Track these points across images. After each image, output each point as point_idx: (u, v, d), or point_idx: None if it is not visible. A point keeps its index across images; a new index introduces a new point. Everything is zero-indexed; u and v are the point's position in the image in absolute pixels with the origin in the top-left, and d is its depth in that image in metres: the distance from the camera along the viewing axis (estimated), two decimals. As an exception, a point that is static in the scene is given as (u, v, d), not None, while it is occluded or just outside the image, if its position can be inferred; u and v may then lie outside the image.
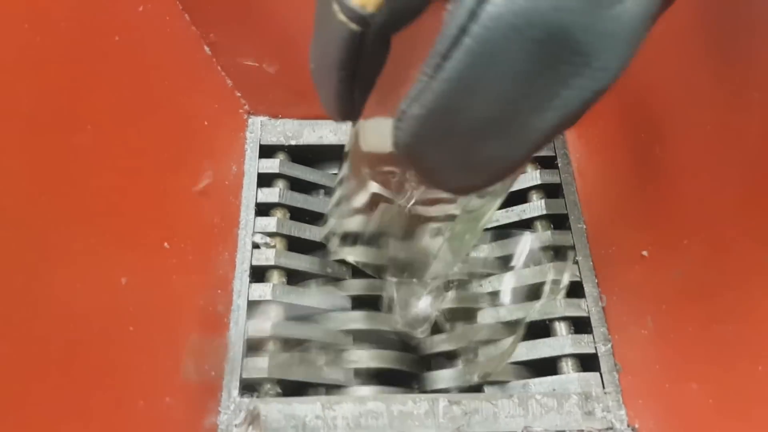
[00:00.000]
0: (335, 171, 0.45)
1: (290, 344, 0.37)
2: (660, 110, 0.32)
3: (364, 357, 0.37)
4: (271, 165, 0.42)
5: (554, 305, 0.37)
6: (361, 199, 0.36)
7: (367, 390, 0.36)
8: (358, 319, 0.38)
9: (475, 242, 0.41)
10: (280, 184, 0.42)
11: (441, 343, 0.38)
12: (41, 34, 0.24)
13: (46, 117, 0.24)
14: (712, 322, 0.28)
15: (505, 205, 0.43)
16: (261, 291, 0.37)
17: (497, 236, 0.42)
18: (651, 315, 0.32)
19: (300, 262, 0.40)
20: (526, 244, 0.40)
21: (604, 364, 0.36)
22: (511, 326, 0.38)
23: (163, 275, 0.31)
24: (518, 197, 0.43)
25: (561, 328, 0.37)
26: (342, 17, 0.18)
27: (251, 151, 0.43)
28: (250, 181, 0.42)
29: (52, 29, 0.25)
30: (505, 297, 0.39)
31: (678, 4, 0.29)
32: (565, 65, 0.15)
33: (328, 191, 0.44)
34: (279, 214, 0.41)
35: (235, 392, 0.34)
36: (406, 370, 0.38)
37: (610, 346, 0.36)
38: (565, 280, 0.38)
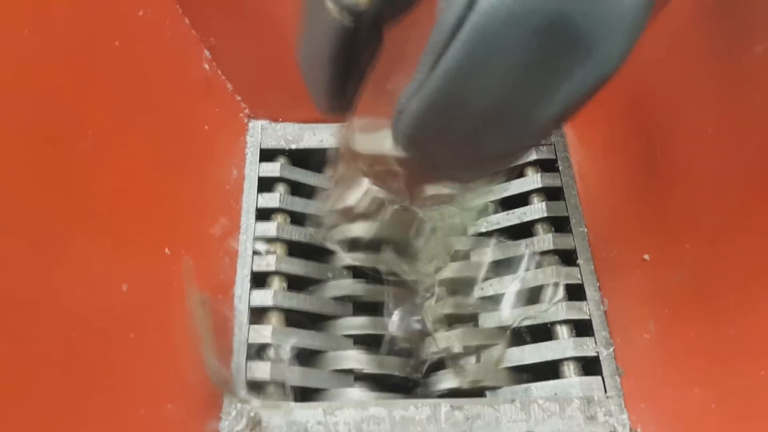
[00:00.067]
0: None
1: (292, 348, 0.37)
2: (661, 113, 0.32)
3: (365, 361, 0.37)
4: (272, 169, 0.42)
5: (555, 310, 0.37)
6: (355, 197, 0.36)
7: (368, 395, 0.36)
8: (359, 325, 0.38)
9: (471, 229, 0.41)
10: (281, 188, 0.42)
11: (434, 352, 0.38)
12: (41, 39, 0.24)
13: (46, 123, 0.24)
14: (715, 325, 0.27)
15: (505, 207, 0.43)
16: (262, 297, 0.37)
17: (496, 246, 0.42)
18: (653, 318, 0.32)
19: (301, 267, 0.39)
20: (524, 255, 0.40)
21: (606, 367, 0.36)
22: (504, 332, 0.38)
23: (164, 281, 0.31)
24: (519, 200, 0.43)
25: (563, 331, 0.37)
26: (335, 12, 0.17)
27: (252, 155, 0.43)
28: (250, 185, 0.41)
29: (52, 34, 0.25)
30: (502, 302, 0.40)
31: (678, 6, 0.29)
32: (566, 54, 0.15)
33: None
34: (279, 218, 0.41)
35: (241, 395, 0.34)
36: (406, 375, 0.38)
37: (612, 349, 0.36)
38: (560, 291, 0.38)
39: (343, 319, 0.39)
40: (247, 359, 0.35)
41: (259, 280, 0.39)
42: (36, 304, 0.22)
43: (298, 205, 0.42)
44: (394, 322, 0.39)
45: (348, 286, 0.40)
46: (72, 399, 0.23)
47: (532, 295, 0.39)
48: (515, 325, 0.38)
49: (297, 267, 0.39)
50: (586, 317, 0.37)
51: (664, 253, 0.32)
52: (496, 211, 0.43)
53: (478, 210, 0.35)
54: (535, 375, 0.37)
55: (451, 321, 0.40)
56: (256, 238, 0.39)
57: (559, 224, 0.41)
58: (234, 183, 0.41)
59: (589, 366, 0.36)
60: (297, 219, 0.42)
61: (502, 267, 0.41)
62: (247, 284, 0.38)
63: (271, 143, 0.44)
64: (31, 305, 0.22)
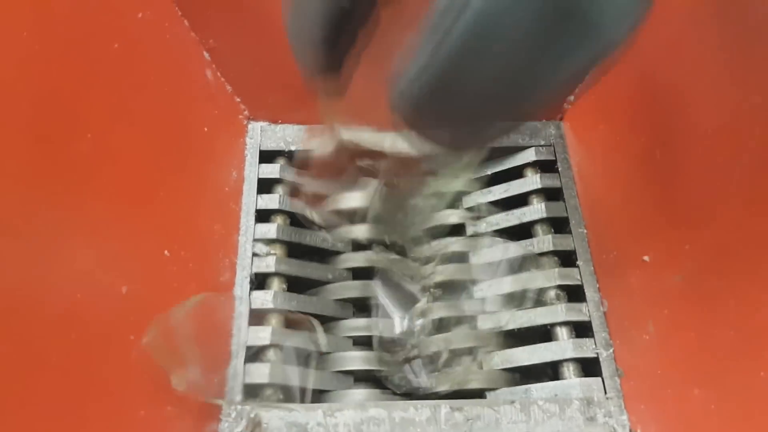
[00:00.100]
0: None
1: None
2: (661, 114, 0.32)
3: (363, 360, 0.37)
4: (272, 170, 0.42)
5: (555, 311, 0.37)
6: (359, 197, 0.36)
7: (367, 395, 0.36)
8: (360, 327, 0.38)
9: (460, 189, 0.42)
10: (280, 190, 0.42)
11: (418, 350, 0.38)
12: (41, 42, 0.24)
13: (45, 125, 0.24)
14: (714, 326, 0.27)
15: (505, 208, 0.43)
16: (262, 298, 0.37)
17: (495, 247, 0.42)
18: (652, 320, 0.32)
19: (300, 268, 0.39)
20: (511, 251, 0.40)
21: (606, 369, 0.36)
22: (489, 335, 0.38)
23: (163, 283, 0.31)
24: (519, 201, 0.43)
25: (562, 332, 0.37)
26: None
27: (251, 156, 0.43)
28: (250, 187, 0.41)
29: (51, 36, 0.25)
30: (492, 304, 0.40)
31: (678, 7, 0.29)
32: (569, 27, 0.15)
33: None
34: (279, 220, 0.41)
35: (237, 399, 0.34)
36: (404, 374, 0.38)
37: (611, 350, 0.36)
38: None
39: (344, 320, 0.39)
40: (245, 361, 0.35)
41: (259, 281, 0.39)
42: (36, 305, 0.22)
43: (298, 206, 0.42)
44: (386, 322, 0.39)
45: (349, 287, 0.40)
46: (72, 400, 0.23)
47: (531, 297, 0.39)
48: (511, 327, 0.38)
49: (297, 268, 0.39)
50: (586, 318, 0.37)
51: (663, 255, 0.32)
52: (485, 186, 0.43)
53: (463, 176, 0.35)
54: (534, 376, 0.37)
55: (446, 323, 0.40)
56: (256, 240, 0.39)
57: (558, 225, 0.41)
58: (233, 184, 0.41)
59: (589, 367, 0.36)
60: (297, 220, 0.42)
61: (500, 268, 0.41)
62: (247, 286, 0.38)
63: (271, 145, 0.44)
64: (30, 307, 0.22)
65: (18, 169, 0.22)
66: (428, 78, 0.16)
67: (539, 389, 0.36)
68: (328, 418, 0.33)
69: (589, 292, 0.38)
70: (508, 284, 0.39)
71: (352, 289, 0.40)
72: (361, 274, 0.41)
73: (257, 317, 0.37)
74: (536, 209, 0.41)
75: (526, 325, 0.38)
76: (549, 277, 0.38)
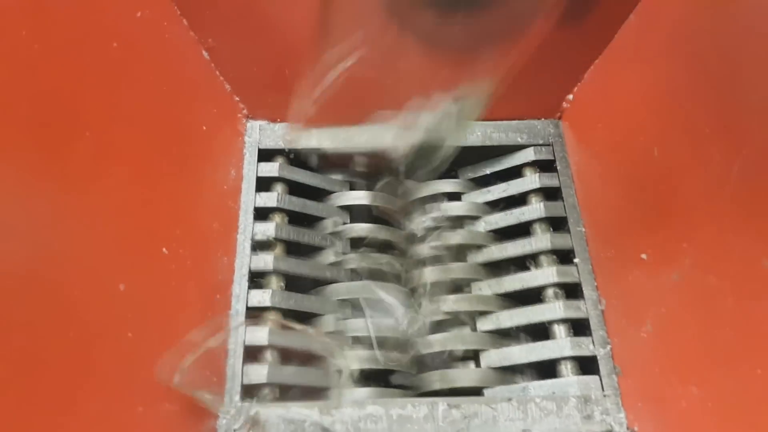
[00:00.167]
0: (335, 175, 0.45)
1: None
2: (659, 113, 0.32)
3: (361, 358, 0.37)
4: (270, 169, 0.42)
5: (553, 309, 0.37)
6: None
7: (364, 392, 0.36)
8: (358, 326, 0.39)
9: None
10: (279, 188, 0.42)
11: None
12: (39, 41, 0.24)
13: (44, 124, 0.24)
14: (712, 325, 0.28)
15: (504, 207, 0.43)
16: (260, 297, 0.37)
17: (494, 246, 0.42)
18: (650, 318, 0.32)
19: (299, 267, 0.39)
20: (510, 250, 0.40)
21: (604, 367, 0.36)
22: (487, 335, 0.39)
23: (161, 281, 0.31)
24: (517, 200, 0.43)
25: (560, 330, 0.37)
26: None
27: (250, 155, 0.43)
28: (248, 185, 0.41)
29: (50, 35, 0.25)
30: (498, 303, 0.40)
31: (676, 7, 0.29)
32: None
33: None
34: (278, 218, 0.41)
35: (236, 397, 0.34)
36: (403, 371, 0.38)
37: (609, 349, 0.36)
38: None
39: (343, 320, 0.39)
40: (243, 360, 0.35)
41: (257, 279, 0.39)
42: (33, 303, 0.22)
43: (296, 204, 0.42)
44: (383, 322, 0.39)
45: (347, 286, 0.40)
46: (69, 397, 0.24)
47: (529, 296, 0.39)
48: (509, 325, 0.38)
49: (295, 266, 0.39)
50: (584, 316, 0.37)
51: (661, 253, 0.32)
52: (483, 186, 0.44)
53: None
54: (532, 374, 0.37)
55: (444, 321, 0.40)
56: (254, 238, 0.39)
57: (557, 224, 0.41)
58: (232, 183, 0.41)
59: (587, 365, 0.36)
60: (295, 219, 0.42)
61: (499, 267, 0.41)
62: (245, 284, 0.38)
63: (270, 143, 0.44)
64: (28, 304, 0.22)
65: (16, 167, 0.22)
66: None
67: (537, 387, 0.36)
68: (325, 416, 0.33)
69: (587, 290, 0.38)
70: (507, 283, 0.39)
71: (352, 288, 0.40)
72: (360, 273, 0.41)
73: (255, 315, 0.37)
74: (535, 209, 0.41)
75: (524, 323, 0.38)
76: (547, 275, 0.38)
